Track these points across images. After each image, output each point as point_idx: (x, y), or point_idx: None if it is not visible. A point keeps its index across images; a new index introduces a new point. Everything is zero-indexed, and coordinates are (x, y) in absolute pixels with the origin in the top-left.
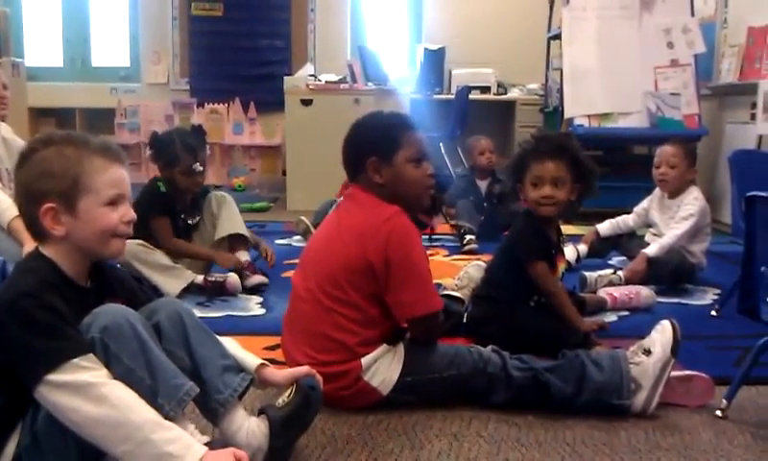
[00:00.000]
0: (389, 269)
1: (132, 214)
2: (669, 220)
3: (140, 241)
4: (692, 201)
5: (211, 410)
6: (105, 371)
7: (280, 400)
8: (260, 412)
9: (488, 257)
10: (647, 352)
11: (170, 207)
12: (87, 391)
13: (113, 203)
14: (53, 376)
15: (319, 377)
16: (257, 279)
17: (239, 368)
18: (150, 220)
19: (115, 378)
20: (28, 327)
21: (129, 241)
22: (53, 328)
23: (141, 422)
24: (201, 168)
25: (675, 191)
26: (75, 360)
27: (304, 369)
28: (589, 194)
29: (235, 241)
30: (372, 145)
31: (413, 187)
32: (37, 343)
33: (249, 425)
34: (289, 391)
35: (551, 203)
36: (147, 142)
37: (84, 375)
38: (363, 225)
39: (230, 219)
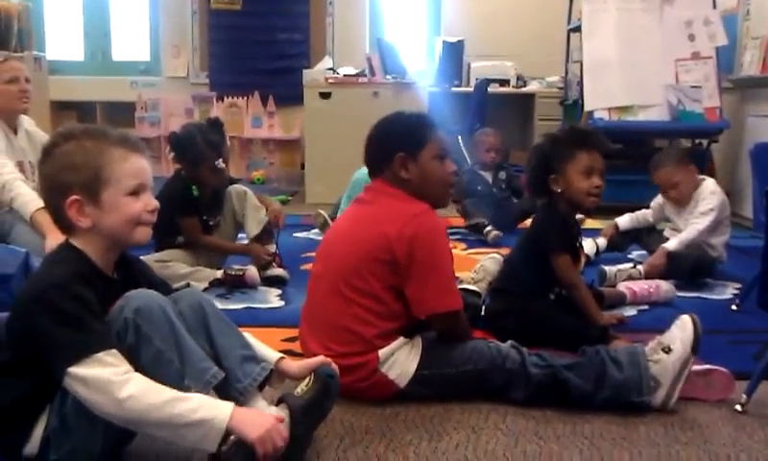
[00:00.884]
0: (412, 263)
1: (155, 203)
2: (688, 215)
3: (157, 256)
4: (709, 195)
5: (231, 399)
6: (125, 367)
7: (299, 390)
8: (279, 401)
9: (505, 250)
10: (667, 350)
11: (196, 207)
12: (107, 389)
13: (135, 192)
14: (75, 369)
15: (334, 366)
16: (278, 271)
17: (259, 358)
18: (179, 220)
19: (145, 359)
20: (55, 317)
21: (145, 258)
22: (79, 321)
23: (161, 402)
24: (223, 164)
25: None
26: (98, 355)
27: (320, 358)
28: None
29: (262, 235)
30: (401, 141)
31: (437, 184)
32: (63, 335)
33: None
34: (307, 380)
35: (599, 193)
36: (167, 141)
37: (105, 372)
38: (391, 216)
39: (256, 214)
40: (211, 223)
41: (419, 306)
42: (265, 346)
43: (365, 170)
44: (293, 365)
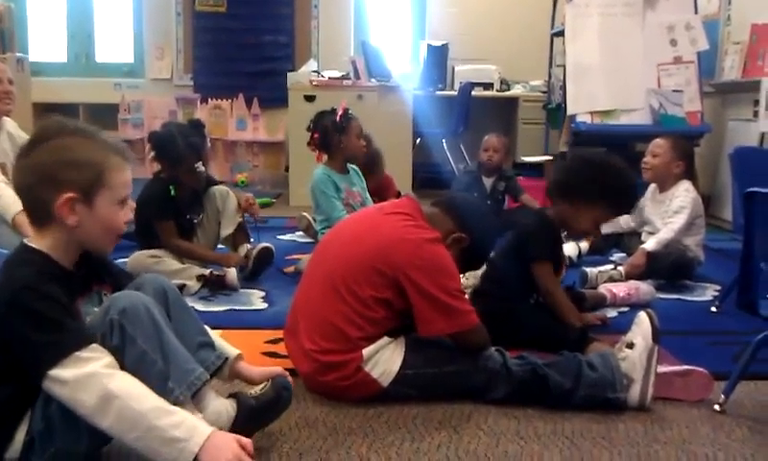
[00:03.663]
0: (414, 286)
1: (130, 215)
2: (663, 214)
3: (150, 252)
4: (683, 193)
5: None
6: (108, 359)
7: (253, 392)
8: (231, 396)
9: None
10: (630, 346)
11: (176, 209)
12: (90, 385)
13: (122, 202)
14: (55, 372)
15: (290, 380)
16: (261, 245)
17: (215, 346)
18: (155, 223)
19: (129, 360)
20: (29, 320)
21: (138, 253)
22: (53, 321)
23: (145, 409)
24: (203, 167)
25: (662, 183)
26: (76, 353)
27: (279, 369)
28: None
29: (237, 234)
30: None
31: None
32: (38, 337)
33: (216, 405)
34: (263, 385)
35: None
36: (148, 140)
37: (86, 368)
38: (401, 236)
39: (234, 215)
40: (195, 220)
41: (426, 329)
42: (224, 341)
43: (318, 172)
44: (252, 369)
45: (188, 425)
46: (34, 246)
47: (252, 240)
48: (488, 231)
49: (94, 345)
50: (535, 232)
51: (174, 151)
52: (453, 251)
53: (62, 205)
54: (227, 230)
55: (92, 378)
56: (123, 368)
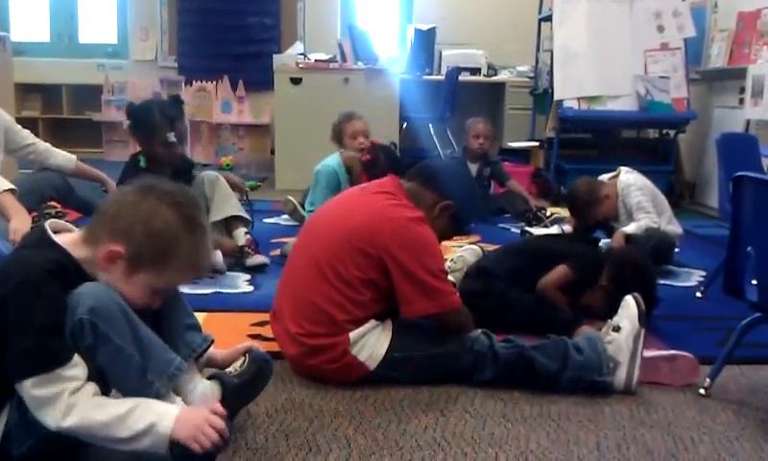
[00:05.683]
0: (397, 266)
1: (159, 303)
2: (627, 215)
3: None
4: (627, 189)
5: None
6: (77, 382)
7: (232, 369)
8: (211, 377)
9: (490, 246)
10: (617, 330)
11: None
12: (48, 412)
13: (158, 292)
14: (29, 384)
15: (260, 347)
16: (259, 259)
17: (200, 328)
18: None
19: (104, 358)
20: (29, 314)
21: None
22: (50, 328)
23: (105, 421)
24: (174, 138)
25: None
26: (57, 371)
27: (248, 343)
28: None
29: (232, 221)
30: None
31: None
32: (28, 341)
33: (203, 387)
34: (241, 361)
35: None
36: (125, 112)
37: (57, 388)
38: (385, 216)
39: (225, 201)
40: None
41: (407, 310)
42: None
43: (329, 161)
44: (219, 351)
45: (156, 412)
46: (56, 240)
47: (253, 247)
48: (469, 190)
49: (76, 358)
50: (588, 265)
51: (148, 121)
52: (443, 219)
53: (107, 254)
54: (217, 216)
55: (58, 401)
56: (96, 366)
